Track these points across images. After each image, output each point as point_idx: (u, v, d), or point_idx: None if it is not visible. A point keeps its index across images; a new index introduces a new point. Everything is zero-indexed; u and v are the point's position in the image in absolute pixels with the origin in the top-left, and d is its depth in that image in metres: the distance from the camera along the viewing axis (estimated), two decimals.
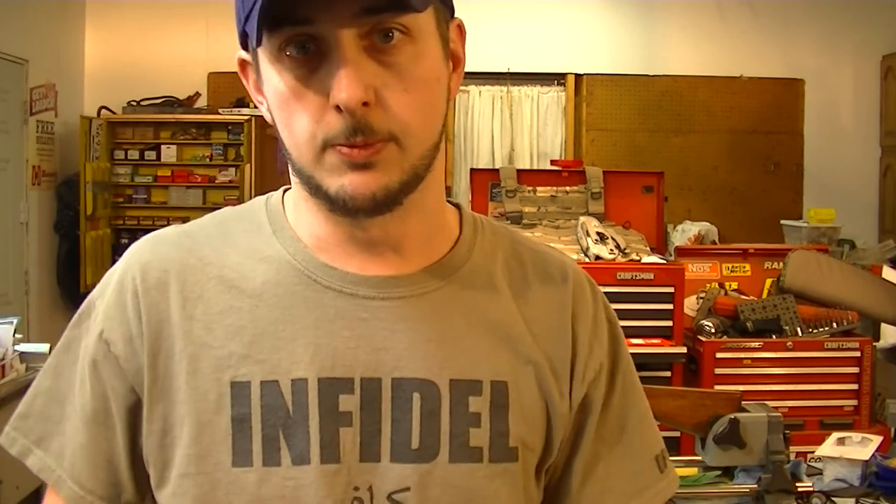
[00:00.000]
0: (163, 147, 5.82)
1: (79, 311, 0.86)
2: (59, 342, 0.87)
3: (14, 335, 2.99)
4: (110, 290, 0.83)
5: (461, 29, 0.85)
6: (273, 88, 0.78)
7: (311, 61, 0.75)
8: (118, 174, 5.80)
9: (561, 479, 0.89)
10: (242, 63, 0.86)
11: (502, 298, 0.86)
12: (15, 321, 3.04)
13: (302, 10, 0.72)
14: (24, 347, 3.07)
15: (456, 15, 0.85)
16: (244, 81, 0.86)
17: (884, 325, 3.89)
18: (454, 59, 0.84)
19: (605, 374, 0.89)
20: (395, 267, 0.83)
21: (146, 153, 5.82)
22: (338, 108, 0.74)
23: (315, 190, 0.79)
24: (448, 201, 0.90)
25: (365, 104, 0.73)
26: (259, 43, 0.74)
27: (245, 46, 0.83)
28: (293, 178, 0.84)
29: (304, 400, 0.79)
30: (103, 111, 5.82)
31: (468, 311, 0.84)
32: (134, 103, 5.89)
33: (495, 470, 0.81)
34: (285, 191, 0.89)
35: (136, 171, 5.85)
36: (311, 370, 0.79)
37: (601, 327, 0.90)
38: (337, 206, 0.78)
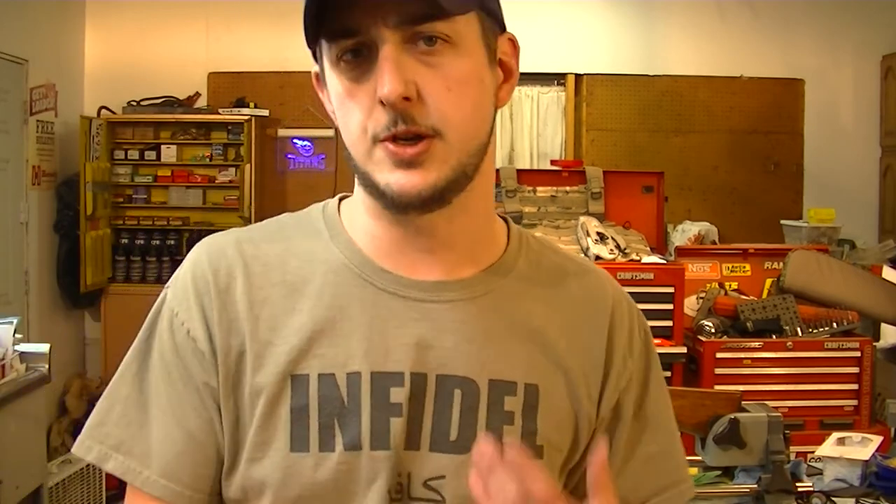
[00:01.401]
0: (163, 147, 5.81)
1: (147, 321, 0.93)
2: (129, 353, 0.92)
3: (14, 335, 2.99)
4: (189, 293, 0.90)
5: (513, 43, 0.94)
6: (334, 91, 0.87)
7: (363, 64, 0.82)
8: (118, 174, 5.78)
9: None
10: (317, 77, 0.92)
11: (542, 307, 0.93)
12: (15, 321, 3.03)
13: (350, 22, 0.81)
14: (24, 347, 3.07)
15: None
16: (320, 94, 0.93)
17: (884, 325, 3.89)
18: (505, 70, 0.92)
19: (636, 382, 0.96)
20: (446, 271, 0.90)
21: (146, 153, 5.81)
22: (382, 103, 0.81)
23: (368, 185, 0.86)
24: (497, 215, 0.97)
25: (407, 99, 0.80)
26: (313, 44, 0.85)
27: (317, 60, 0.90)
28: (356, 180, 0.90)
29: (357, 391, 0.86)
30: (103, 111, 5.82)
31: (510, 316, 0.91)
32: (134, 103, 5.88)
33: None
34: (341, 199, 0.97)
35: (136, 171, 5.83)
36: (365, 364, 0.87)
37: (636, 343, 0.97)
38: (386, 201, 0.84)
